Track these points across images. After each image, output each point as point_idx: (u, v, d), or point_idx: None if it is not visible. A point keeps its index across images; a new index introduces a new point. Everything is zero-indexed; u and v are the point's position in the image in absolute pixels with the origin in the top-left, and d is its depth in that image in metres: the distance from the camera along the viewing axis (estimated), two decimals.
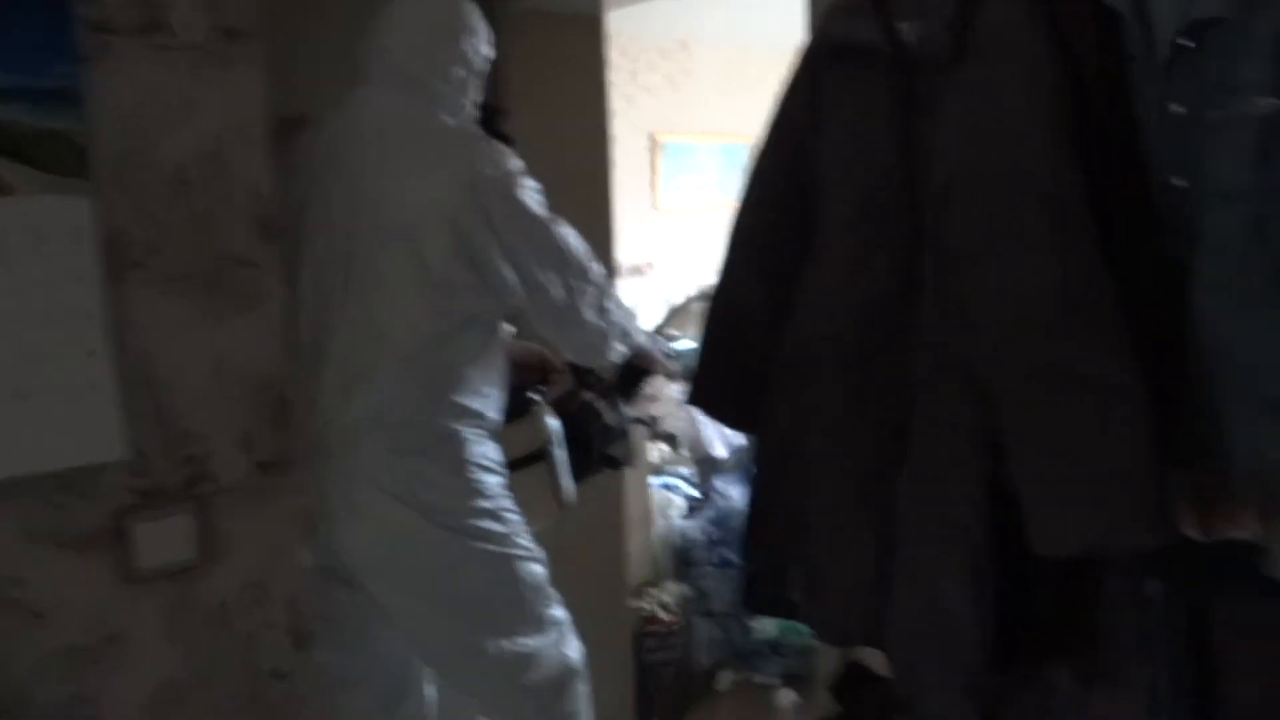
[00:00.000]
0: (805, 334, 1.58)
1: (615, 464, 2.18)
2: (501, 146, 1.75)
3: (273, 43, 1.34)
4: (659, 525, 3.11)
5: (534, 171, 1.79)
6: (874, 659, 1.78)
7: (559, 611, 1.85)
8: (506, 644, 1.76)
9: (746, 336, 1.66)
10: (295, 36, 1.77)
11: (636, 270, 4.41)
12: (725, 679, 3.12)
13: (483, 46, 1.78)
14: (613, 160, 2.57)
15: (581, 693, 1.90)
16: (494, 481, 1.75)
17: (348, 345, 1.66)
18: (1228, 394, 1.21)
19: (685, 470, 3.64)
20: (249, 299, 1.36)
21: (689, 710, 2.94)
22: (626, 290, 4.25)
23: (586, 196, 2.49)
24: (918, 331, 1.41)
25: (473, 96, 1.78)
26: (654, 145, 4.42)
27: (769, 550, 1.65)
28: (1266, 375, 1.18)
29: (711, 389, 1.73)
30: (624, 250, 4.22)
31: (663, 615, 2.93)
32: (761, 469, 1.67)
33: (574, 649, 1.87)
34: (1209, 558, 1.29)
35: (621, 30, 3.68)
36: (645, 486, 3.04)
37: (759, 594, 1.68)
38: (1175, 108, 1.25)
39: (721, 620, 3.12)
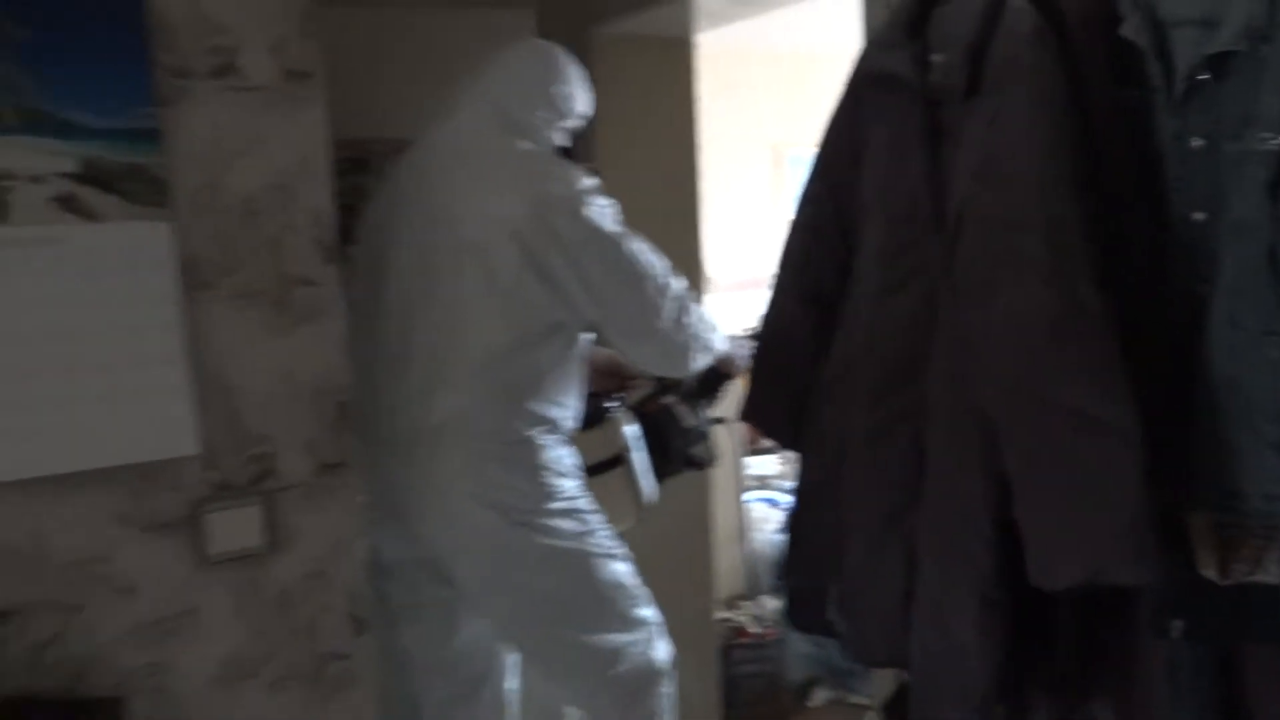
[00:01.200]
0: (842, 360, 1.61)
1: (697, 465, 2.26)
2: (573, 166, 1.85)
3: (335, 80, 1.48)
4: (754, 539, 3.15)
5: (621, 189, 1.89)
6: None
7: (648, 611, 1.93)
8: (591, 639, 1.86)
9: (791, 358, 1.70)
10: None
11: (759, 283, 4.43)
12: (819, 696, 3.13)
13: (576, 100, 1.90)
14: (702, 176, 2.64)
15: (665, 694, 1.97)
16: (569, 485, 1.85)
17: (430, 353, 1.79)
18: (1239, 433, 1.19)
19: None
20: (312, 314, 1.51)
21: None
22: (751, 301, 4.31)
23: (676, 212, 2.57)
24: (935, 359, 1.42)
25: (556, 138, 1.89)
26: (777, 157, 4.45)
27: (808, 569, 1.68)
28: (1275, 413, 1.14)
29: (760, 407, 1.78)
30: (746, 263, 4.28)
31: (753, 628, 2.97)
32: (802, 488, 1.70)
33: (662, 651, 1.95)
34: (1236, 599, 1.26)
35: (746, 46, 3.75)
36: (738, 500, 3.09)
37: (799, 612, 1.72)
38: (1194, 141, 1.23)
39: (817, 636, 3.12)
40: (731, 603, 3.06)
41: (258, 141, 1.43)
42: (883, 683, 1.99)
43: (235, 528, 1.49)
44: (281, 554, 1.53)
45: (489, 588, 1.83)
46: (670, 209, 2.55)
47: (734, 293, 4.02)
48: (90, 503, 1.39)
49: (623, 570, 1.88)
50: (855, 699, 3.09)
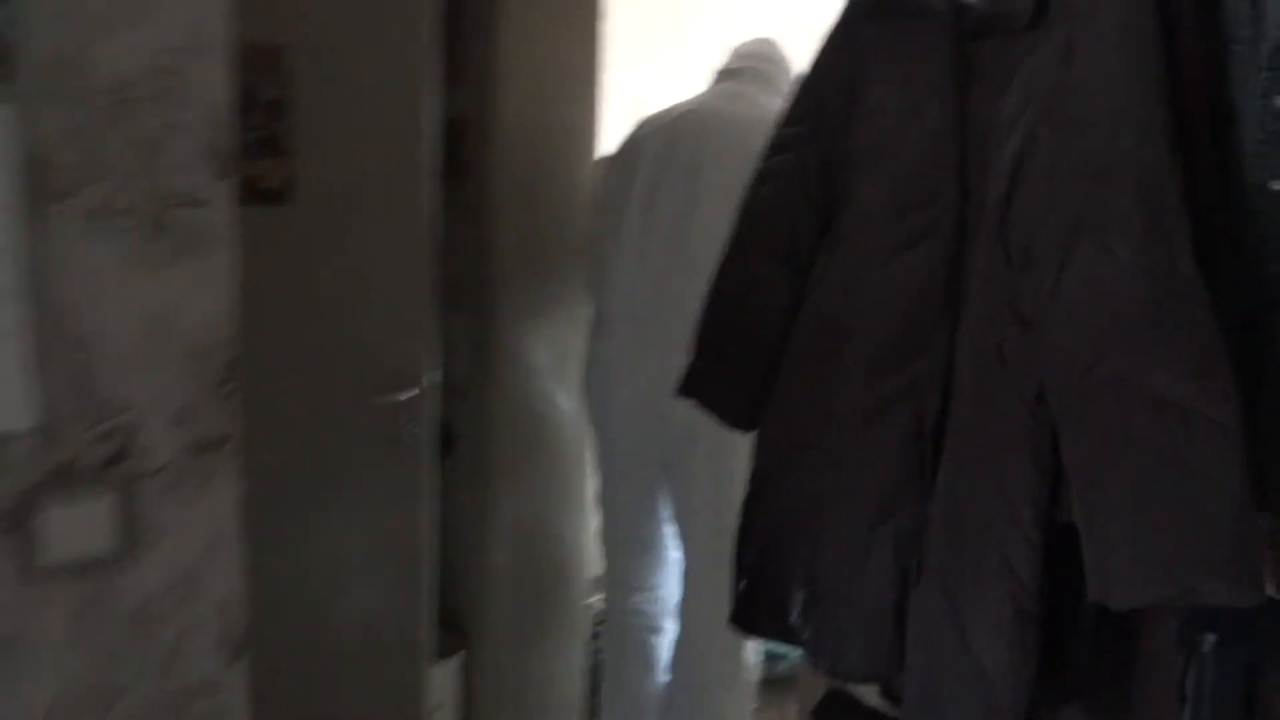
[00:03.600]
0: (826, 325, 1.41)
1: None
2: None
3: None
4: None
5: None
6: (865, 690, 1.62)
7: None
8: None
9: (754, 325, 1.50)
10: None
11: None
12: None
13: None
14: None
15: None
16: None
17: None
18: None
19: None
20: (196, 245, 1.14)
21: None
22: None
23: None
24: (965, 331, 1.25)
25: None
26: None
27: (767, 561, 1.48)
28: None
29: (711, 379, 1.57)
30: None
31: None
32: (761, 475, 1.50)
33: None
34: (1267, 610, 1.15)
35: None
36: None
37: (751, 611, 1.51)
38: None
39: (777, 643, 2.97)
40: (593, 584, 2.83)
41: (136, 6, 1.05)
42: (810, 687, 1.86)
43: (78, 526, 1.11)
44: (139, 560, 1.16)
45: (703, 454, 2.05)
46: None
47: None
48: None
49: None
50: None
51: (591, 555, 2.56)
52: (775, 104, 2.11)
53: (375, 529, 2.01)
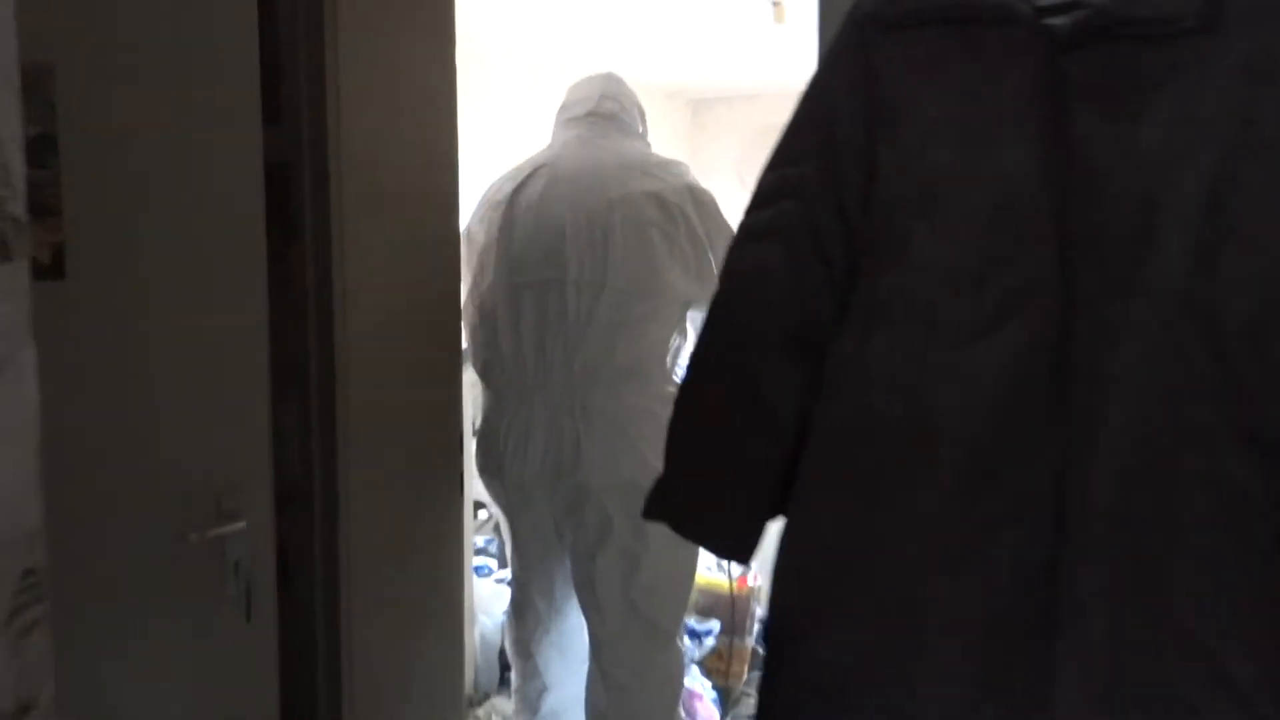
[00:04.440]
0: (872, 428, 1.07)
1: None
2: None
3: None
4: (481, 623, 2.47)
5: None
6: None
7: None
8: (660, 620, 1.97)
9: (758, 426, 1.15)
10: None
11: None
12: None
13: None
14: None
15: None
16: None
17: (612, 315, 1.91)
18: None
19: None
20: None
21: None
22: None
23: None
24: (1092, 427, 0.95)
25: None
26: None
27: None
28: None
29: (695, 497, 1.21)
30: None
31: None
32: (789, 616, 1.14)
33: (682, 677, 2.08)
34: None
35: None
36: (469, 573, 2.42)
37: None
38: None
39: None
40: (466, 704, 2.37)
41: None
42: None
43: None
44: None
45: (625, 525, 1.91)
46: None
47: None
48: None
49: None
50: None
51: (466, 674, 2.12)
52: (629, 142, 2.01)
53: (211, 695, 1.49)
